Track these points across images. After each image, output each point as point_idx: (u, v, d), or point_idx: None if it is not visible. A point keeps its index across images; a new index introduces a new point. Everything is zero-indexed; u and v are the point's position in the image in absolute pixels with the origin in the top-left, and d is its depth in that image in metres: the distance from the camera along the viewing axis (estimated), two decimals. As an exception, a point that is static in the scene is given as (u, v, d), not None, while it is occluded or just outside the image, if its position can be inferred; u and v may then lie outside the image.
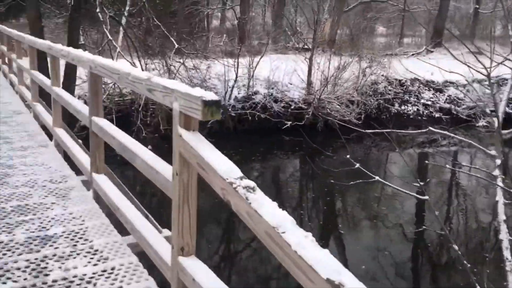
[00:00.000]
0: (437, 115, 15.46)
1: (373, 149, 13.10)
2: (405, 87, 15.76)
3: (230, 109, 13.39)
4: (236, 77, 13.94)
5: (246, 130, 13.16)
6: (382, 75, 15.27)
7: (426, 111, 15.57)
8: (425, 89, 16.18)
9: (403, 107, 15.32)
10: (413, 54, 19.27)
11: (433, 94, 16.16)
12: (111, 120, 7.18)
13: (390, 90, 15.15)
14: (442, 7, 23.16)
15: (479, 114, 14.95)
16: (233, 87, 13.88)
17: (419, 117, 15.17)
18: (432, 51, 20.83)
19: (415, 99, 15.67)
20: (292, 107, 13.93)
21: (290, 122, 13.14)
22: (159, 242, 2.73)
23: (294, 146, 12.42)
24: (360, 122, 11.98)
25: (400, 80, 15.56)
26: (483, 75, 6.11)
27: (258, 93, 14.18)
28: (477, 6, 26.11)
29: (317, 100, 13.65)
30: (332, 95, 13.87)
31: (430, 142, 13.55)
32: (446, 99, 15.97)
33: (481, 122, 14.77)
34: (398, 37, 26.44)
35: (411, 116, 15.14)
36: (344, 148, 9.42)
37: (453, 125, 13.71)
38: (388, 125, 8.05)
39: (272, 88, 14.35)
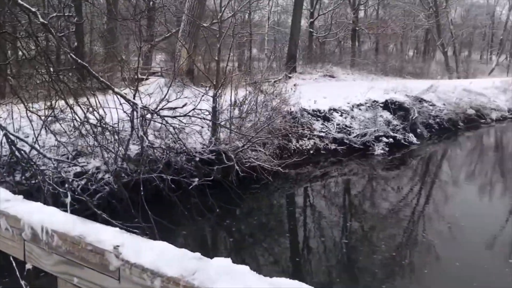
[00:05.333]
0: (332, 146, 14.35)
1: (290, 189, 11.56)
2: (296, 119, 14.06)
3: (123, 174, 8.73)
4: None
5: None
6: (273, 109, 12.43)
7: (323, 144, 14.26)
8: (314, 120, 14.85)
9: (300, 142, 13.68)
10: (275, 81, 16.08)
11: (322, 124, 14.93)
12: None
13: (284, 124, 12.71)
14: (294, 33, 22.49)
15: (372, 141, 14.15)
16: (128, 141, 8.84)
17: (318, 151, 13.85)
18: (290, 77, 19.42)
19: (309, 131, 14.20)
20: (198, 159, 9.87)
21: (198, 179, 9.30)
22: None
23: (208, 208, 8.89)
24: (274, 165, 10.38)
25: (291, 112, 13.80)
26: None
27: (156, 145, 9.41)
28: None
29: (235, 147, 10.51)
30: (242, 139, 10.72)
31: (323, 175, 12.51)
32: (336, 129, 14.93)
33: (378, 150, 13.98)
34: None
35: (311, 151, 13.64)
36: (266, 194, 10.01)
37: (349, 155, 13.48)
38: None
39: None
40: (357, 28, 30.90)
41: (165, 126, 8.76)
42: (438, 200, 11.02)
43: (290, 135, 12.59)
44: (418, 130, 16.93)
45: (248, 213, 9.86)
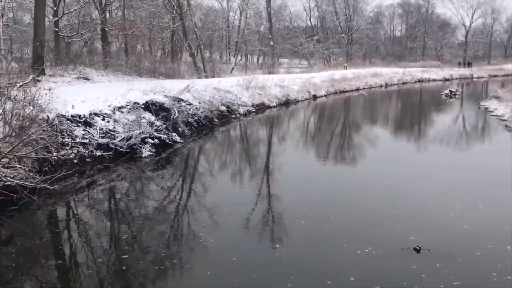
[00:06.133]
0: (98, 153, 13.52)
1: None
2: (54, 127, 12.86)
3: None
4: None
5: None
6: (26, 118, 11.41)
7: (87, 151, 13.30)
8: (74, 126, 13.76)
9: (62, 152, 12.41)
10: (21, 85, 15.00)
11: (84, 130, 13.91)
12: None
13: (41, 133, 11.57)
14: (38, 32, 21.35)
15: (139, 144, 14.67)
16: None
17: (83, 160, 12.98)
18: (39, 80, 19.18)
19: (70, 139, 13.09)
20: None
21: None
22: None
23: None
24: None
25: (47, 120, 12.62)
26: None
27: None
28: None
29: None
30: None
31: (89, 184, 12.01)
32: (100, 134, 14.18)
33: (146, 152, 14.46)
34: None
35: (75, 161, 12.59)
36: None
37: (116, 160, 13.71)
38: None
39: None
40: (106, 29, 29.88)
41: None
42: (202, 192, 11.63)
43: (49, 145, 11.16)
44: (180, 129, 17.51)
45: (8, 240, 8.51)
